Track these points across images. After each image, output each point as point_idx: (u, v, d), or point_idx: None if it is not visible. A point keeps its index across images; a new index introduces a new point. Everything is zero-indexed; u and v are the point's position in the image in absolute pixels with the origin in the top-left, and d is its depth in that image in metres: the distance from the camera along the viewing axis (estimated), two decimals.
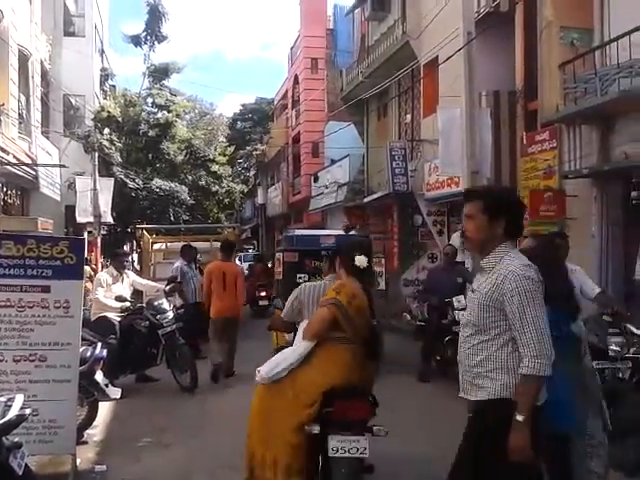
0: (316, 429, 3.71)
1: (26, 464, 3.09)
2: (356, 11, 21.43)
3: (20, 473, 2.98)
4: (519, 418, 2.73)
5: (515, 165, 11.22)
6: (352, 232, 13.57)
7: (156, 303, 7.94)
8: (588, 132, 9.37)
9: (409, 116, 17.29)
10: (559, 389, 3.29)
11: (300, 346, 4.00)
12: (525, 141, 10.78)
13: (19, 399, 3.17)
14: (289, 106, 32.13)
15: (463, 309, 6.54)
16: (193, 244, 11.57)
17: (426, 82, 14.97)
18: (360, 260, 4.15)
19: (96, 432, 5.95)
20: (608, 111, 8.75)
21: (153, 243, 14.70)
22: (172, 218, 25.02)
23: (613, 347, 5.18)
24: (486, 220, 2.95)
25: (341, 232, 12.31)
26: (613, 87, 8.21)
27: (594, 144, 9.22)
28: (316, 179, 24.60)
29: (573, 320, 3.64)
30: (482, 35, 9.93)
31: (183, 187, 25.90)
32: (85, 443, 5.54)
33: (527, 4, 10.74)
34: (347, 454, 3.66)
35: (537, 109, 10.46)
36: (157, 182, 24.91)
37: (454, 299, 7.73)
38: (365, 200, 18.42)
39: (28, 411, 3.20)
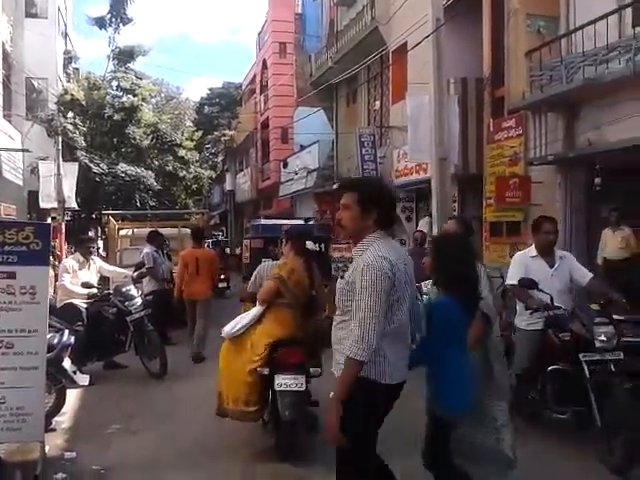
0: (266, 371, 4.86)
1: None
2: None
3: None
4: (331, 395, 2.92)
5: (482, 152, 11.36)
6: (311, 222, 14.19)
7: (124, 290, 7.86)
8: (553, 119, 9.53)
9: (378, 102, 17.34)
10: (451, 374, 3.37)
11: (254, 309, 5.18)
12: (492, 128, 10.93)
13: None
14: (257, 91, 31.91)
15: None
16: (160, 230, 11.44)
17: (395, 68, 15.01)
18: (309, 244, 5.23)
19: (64, 419, 5.89)
20: (573, 99, 8.91)
21: (119, 229, 14.47)
22: (138, 204, 24.67)
23: (601, 337, 4.70)
24: (359, 211, 3.08)
25: (301, 222, 13.00)
26: (578, 75, 8.36)
27: (559, 131, 9.39)
28: (285, 165, 24.53)
29: (469, 309, 3.49)
30: (450, 22, 9.97)
31: (149, 172, 25.55)
32: (53, 430, 5.48)
33: None
34: (288, 388, 4.79)
35: (504, 96, 10.58)
36: (123, 167, 24.54)
37: (422, 284, 7.79)
38: (334, 186, 18.45)
39: None
